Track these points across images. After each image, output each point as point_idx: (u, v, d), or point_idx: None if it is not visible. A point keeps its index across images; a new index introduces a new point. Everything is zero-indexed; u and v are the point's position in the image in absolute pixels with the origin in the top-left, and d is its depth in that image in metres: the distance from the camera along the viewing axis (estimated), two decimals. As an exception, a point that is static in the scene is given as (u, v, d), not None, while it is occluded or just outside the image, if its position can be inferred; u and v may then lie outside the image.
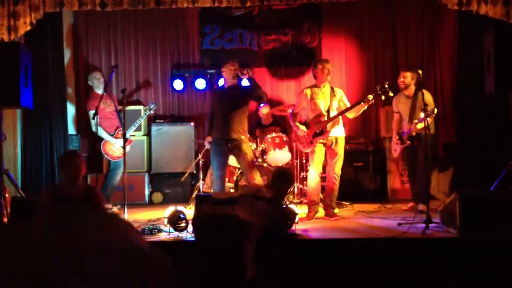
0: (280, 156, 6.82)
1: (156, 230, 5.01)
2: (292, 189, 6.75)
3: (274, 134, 6.87)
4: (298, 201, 6.73)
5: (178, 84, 7.89)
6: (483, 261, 4.17)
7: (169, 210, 5.08)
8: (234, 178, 6.77)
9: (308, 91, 6.01)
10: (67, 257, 0.77)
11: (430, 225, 4.88)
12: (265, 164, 6.75)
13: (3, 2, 6.11)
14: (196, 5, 6.40)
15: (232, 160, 6.11)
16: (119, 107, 6.68)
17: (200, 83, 7.82)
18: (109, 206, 6.51)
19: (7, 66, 5.22)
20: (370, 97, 5.69)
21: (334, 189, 5.89)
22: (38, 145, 6.93)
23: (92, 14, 7.90)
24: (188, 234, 4.84)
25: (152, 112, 7.17)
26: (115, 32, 8.23)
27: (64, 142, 7.12)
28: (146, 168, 7.72)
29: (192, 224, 4.81)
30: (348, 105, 5.92)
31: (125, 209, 5.53)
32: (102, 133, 6.56)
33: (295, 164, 7.01)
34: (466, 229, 4.52)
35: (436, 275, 4.20)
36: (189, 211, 5.71)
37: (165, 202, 7.31)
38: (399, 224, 5.13)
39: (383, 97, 5.97)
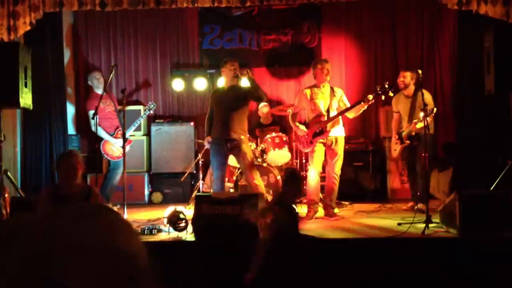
0: (279, 156, 6.82)
1: (156, 230, 5.01)
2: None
3: (274, 134, 6.87)
4: (298, 200, 6.72)
5: (177, 84, 7.89)
6: (483, 261, 4.17)
7: (169, 210, 5.08)
8: (234, 178, 6.76)
9: (308, 92, 6.01)
10: (66, 257, 0.77)
11: (430, 225, 4.88)
12: (264, 164, 6.75)
13: (2, 2, 6.10)
14: (195, 5, 6.41)
15: (232, 160, 6.10)
16: (119, 107, 6.67)
17: (200, 83, 7.82)
18: (108, 206, 6.51)
19: (6, 66, 5.22)
20: (370, 97, 5.69)
21: (334, 189, 5.89)
22: (38, 145, 6.93)
23: (92, 14, 7.90)
24: (187, 234, 4.84)
25: (151, 112, 7.17)
26: (115, 32, 8.22)
27: (63, 142, 7.12)
28: (146, 168, 7.71)
29: (192, 224, 4.81)
30: (348, 105, 5.92)
31: (125, 209, 5.53)
32: (101, 133, 6.56)
33: (294, 164, 7.01)
34: (466, 229, 4.52)
35: (436, 275, 4.20)
36: (188, 211, 5.71)
37: (164, 202, 7.31)
38: (399, 224, 5.13)
39: (383, 97, 5.97)
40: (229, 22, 8.11)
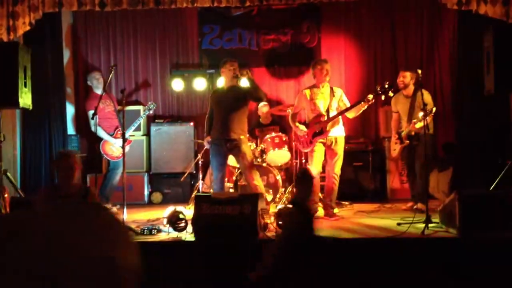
0: (279, 156, 6.82)
1: (156, 230, 5.00)
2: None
3: (273, 134, 6.87)
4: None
5: (177, 84, 7.89)
6: (482, 261, 4.17)
7: (169, 210, 5.08)
8: (234, 178, 6.76)
9: (308, 92, 6.01)
10: (66, 257, 0.77)
11: (430, 225, 4.88)
12: (264, 164, 6.74)
13: (2, 2, 6.10)
14: (195, 5, 6.40)
15: (232, 160, 6.10)
16: (118, 107, 6.67)
17: (200, 83, 7.82)
18: (108, 206, 6.51)
19: (6, 66, 5.22)
20: (370, 96, 5.69)
21: (334, 189, 5.89)
22: (38, 145, 6.93)
23: (91, 14, 7.89)
24: (187, 234, 4.83)
25: (151, 112, 7.17)
26: (114, 32, 8.22)
27: (63, 142, 7.12)
28: (146, 168, 7.71)
29: (192, 224, 4.81)
30: (348, 104, 5.91)
31: (125, 209, 5.53)
32: (101, 133, 6.55)
33: (294, 164, 7.01)
34: (466, 229, 4.52)
35: (436, 275, 4.20)
36: (188, 211, 5.71)
37: (164, 202, 7.30)
38: (399, 224, 5.13)
39: (383, 97, 5.97)
40: (228, 22, 8.10)
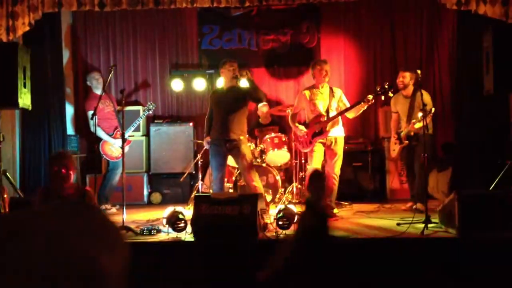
0: (279, 156, 6.82)
1: (155, 230, 5.00)
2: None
3: (273, 134, 6.87)
4: (297, 201, 6.73)
5: (176, 84, 7.89)
6: (482, 261, 4.17)
7: (168, 210, 5.07)
8: (233, 178, 6.76)
9: (307, 92, 6.02)
10: (66, 257, 0.77)
11: (429, 225, 4.88)
12: (264, 164, 6.74)
13: (1, 3, 6.10)
14: (194, 5, 6.40)
15: (231, 161, 6.10)
16: (118, 108, 6.67)
17: (199, 83, 7.82)
18: (108, 206, 6.51)
19: (5, 67, 5.22)
20: (370, 97, 5.69)
21: (333, 189, 5.89)
22: (37, 145, 6.92)
23: (91, 14, 7.89)
24: (187, 235, 4.83)
25: (151, 112, 7.17)
26: (114, 32, 8.22)
27: (62, 142, 7.11)
28: (145, 169, 7.71)
29: (191, 224, 4.80)
30: (348, 104, 5.92)
31: (124, 209, 5.52)
32: (100, 133, 6.55)
33: (294, 164, 7.01)
34: (465, 229, 4.52)
35: (435, 275, 4.20)
36: (188, 211, 5.70)
37: (164, 203, 7.30)
38: (398, 224, 5.13)
39: (382, 97, 5.98)
40: (228, 22, 8.11)
